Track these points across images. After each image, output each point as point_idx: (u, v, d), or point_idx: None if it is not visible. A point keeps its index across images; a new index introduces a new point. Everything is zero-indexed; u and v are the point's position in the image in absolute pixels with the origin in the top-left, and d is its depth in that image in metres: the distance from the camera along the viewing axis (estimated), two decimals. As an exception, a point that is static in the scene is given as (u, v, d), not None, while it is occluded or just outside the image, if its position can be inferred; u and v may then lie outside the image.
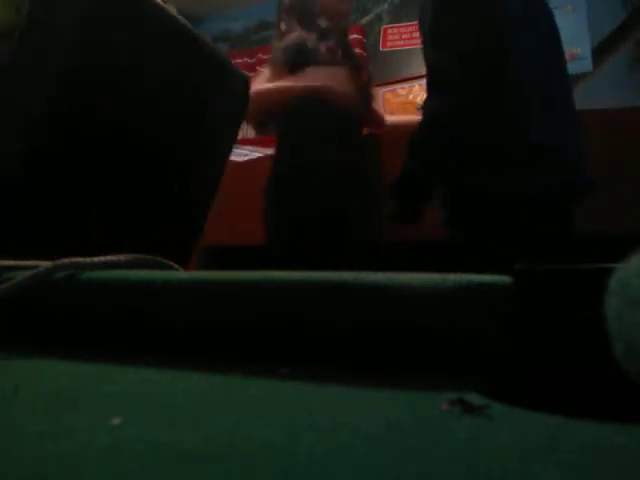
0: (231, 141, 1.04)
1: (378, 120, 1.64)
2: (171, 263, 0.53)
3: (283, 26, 1.50)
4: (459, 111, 1.07)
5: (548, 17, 1.17)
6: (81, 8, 0.66)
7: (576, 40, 2.60)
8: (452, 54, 1.05)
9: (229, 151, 1.08)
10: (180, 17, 0.81)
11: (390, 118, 1.72)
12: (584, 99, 2.48)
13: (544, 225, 1.08)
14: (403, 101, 2.66)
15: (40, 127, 0.66)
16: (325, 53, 1.42)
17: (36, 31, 0.67)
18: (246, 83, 0.98)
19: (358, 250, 1.49)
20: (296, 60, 1.40)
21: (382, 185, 1.48)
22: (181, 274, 0.46)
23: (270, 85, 1.43)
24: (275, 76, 1.42)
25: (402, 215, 1.18)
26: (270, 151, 1.61)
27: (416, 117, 1.75)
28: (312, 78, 1.38)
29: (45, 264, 0.45)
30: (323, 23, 1.44)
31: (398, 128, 1.64)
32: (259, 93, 1.35)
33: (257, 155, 1.86)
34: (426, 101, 1.13)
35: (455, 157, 1.10)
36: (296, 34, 1.45)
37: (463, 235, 1.14)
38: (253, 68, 3.11)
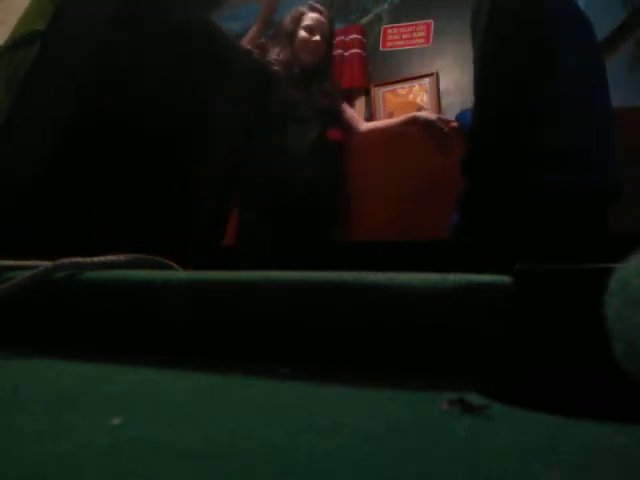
0: (249, 141, 1.05)
1: (349, 128, 1.80)
2: (171, 263, 0.53)
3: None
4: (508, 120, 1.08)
5: (588, 23, 1.18)
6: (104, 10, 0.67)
7: (576, 40, 2.60)
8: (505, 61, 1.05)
9: (248, 152, 1.09)
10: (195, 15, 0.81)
11: (366, 125, 1.86)
12: (584, 99, 2.48)
13: (572, 226, 1.08)
14: (403, 101, 2.66)
15: (54, 129, 0.66)
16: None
17: (59, 34, 0.68)
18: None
19: (355, 250, 1.56)
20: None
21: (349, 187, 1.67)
22: (181, 274, 0.46)
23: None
24: None
25: (468, 228, 1.19)
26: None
27: (391, 120, 1.88)
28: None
29: (45, 264, 0.45)
30: (281, 54, 1.63)
31: (372, 133, 1.77)
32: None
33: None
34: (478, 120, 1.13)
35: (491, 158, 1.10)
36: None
37: (484, 234, 1.14)
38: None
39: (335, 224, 1.69)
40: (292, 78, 1.61)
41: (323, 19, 1.71)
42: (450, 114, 1.69)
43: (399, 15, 3.01)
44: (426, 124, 1.62)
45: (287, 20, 1.72)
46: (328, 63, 1.77)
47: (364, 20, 3.15)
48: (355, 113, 1.94)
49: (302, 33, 1.66)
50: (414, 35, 2.79)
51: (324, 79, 1.72)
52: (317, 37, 1.66)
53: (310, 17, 1.68)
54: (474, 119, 1.14)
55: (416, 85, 2.65)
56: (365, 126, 1.84)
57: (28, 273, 0.44)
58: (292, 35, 1.67)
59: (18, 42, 0.86)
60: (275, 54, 1.65)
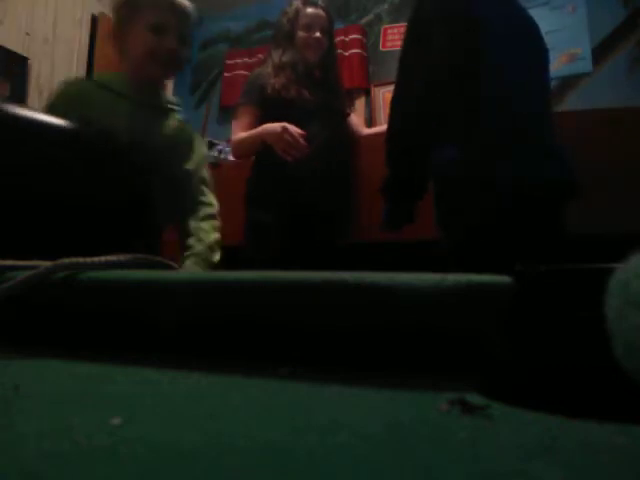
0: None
1: (352, 130, 1.81)
2: (171, 263, 0.53)
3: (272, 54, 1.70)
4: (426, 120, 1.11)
5: (532, 35, 1.19)
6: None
7: (576, 40, 2.60)
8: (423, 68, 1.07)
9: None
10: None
11: (367, 131, 1.89)
12: (584, 99, 2.48)
13: (543, 224, 1.08)
14: (403, 101, 2.66)
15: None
16: (274, 89, 1.58)
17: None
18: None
19: (355, 250, 1.56)
20: (253, 97, 1.63)
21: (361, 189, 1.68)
22: (181, 274, 0.46)
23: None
24: (244, 116, 1.64)
25: (397, 219, 1.20)
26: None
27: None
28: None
29: (45, 264, 0.45)
30: (285, 57, 1.63)
31: (377, 137, 1.78)
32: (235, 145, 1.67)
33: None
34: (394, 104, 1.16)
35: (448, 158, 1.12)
36: (256, 72, 1.68)
37: (462, 234, 1.14)
38: (253, 68, 3.11)
39: (347, 224, 1.67)
40: (299, 78, 1.59)
41: (320, 12, 1.67)
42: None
43: (399, 15, 3.01)
44: None
45: (283, 20, 1.68)
46: (333, 55, 1.74)
47: (364, 20, 3.16)
48: (355, 116, 1.94)
49: (301, 33, 1.63)
50: (414, 35, 2.79)
51: (331, 74, 1.70)
52: (317, 33, 1.64)
53: (306, 14, 1.64)
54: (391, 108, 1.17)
55: (416, 85, 2.64)
56: (367, 131, 1.86)
57: (28, 273, 0.44)
58: (291, 36, 1.64)
59: None
60: (278, 57, 1.63)
